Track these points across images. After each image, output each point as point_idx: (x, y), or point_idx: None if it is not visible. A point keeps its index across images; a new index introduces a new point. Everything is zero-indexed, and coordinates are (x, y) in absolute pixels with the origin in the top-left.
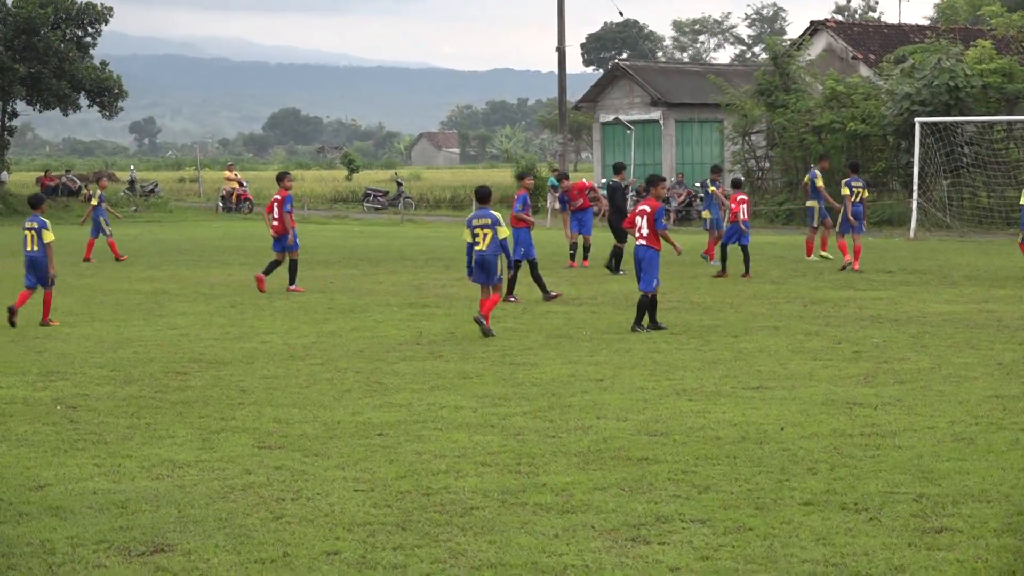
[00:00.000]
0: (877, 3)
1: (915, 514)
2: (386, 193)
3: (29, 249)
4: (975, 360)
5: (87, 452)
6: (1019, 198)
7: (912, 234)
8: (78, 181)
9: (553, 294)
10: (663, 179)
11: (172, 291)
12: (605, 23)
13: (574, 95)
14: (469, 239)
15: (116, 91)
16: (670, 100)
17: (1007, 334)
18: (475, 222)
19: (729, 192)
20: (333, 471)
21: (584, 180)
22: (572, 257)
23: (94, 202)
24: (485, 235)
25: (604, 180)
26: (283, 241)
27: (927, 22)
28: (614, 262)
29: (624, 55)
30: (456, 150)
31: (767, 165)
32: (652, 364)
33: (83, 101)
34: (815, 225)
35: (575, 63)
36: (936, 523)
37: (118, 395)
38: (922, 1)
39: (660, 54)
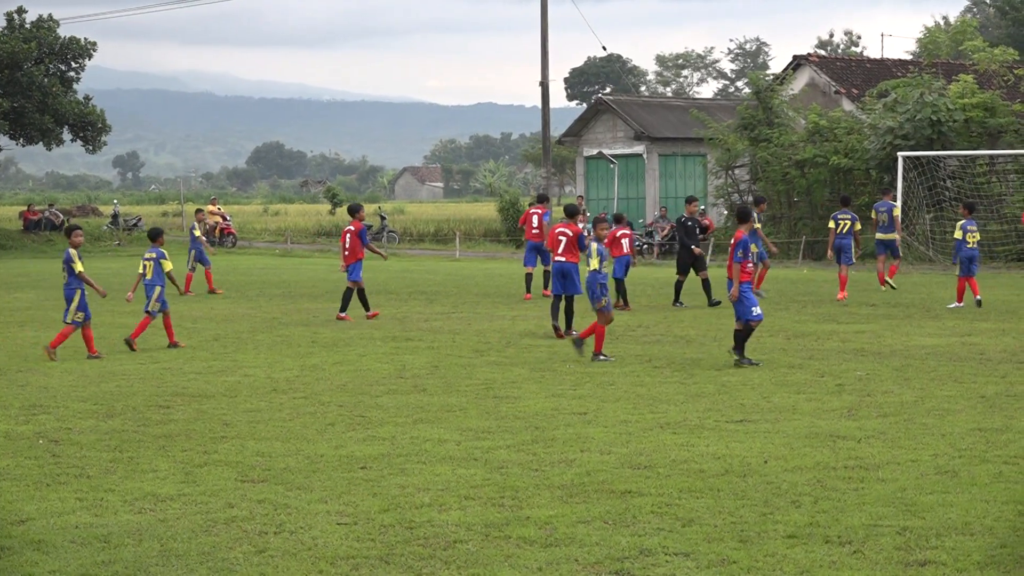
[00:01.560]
0: (860, 37)
1: (899, 547)
2: (370, 227)
3: (148, 278)
4: (958, 393)
5: (69, 486)
6: (999, 231)
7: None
8: (61, 215)
9: (570, 333)
10: (751, 214)
11: (155, 325)
12: (588, 58)
13: (558, 129)
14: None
15: (99, 125)
16: (653, 134)
17: (989, 367)
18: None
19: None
20: (316, 504)
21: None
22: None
23: (197, 232)
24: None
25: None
26: (351, 270)
27: (909, 56)
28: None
29: (607, 89)
30: (440, 184)
31: (750, 199)
32: (635, 397)
33: (66, 135)
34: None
35: (558, 97)
36: (920, 556)
37: (101, 429)
38: (904, 36)
39: (643, 88)
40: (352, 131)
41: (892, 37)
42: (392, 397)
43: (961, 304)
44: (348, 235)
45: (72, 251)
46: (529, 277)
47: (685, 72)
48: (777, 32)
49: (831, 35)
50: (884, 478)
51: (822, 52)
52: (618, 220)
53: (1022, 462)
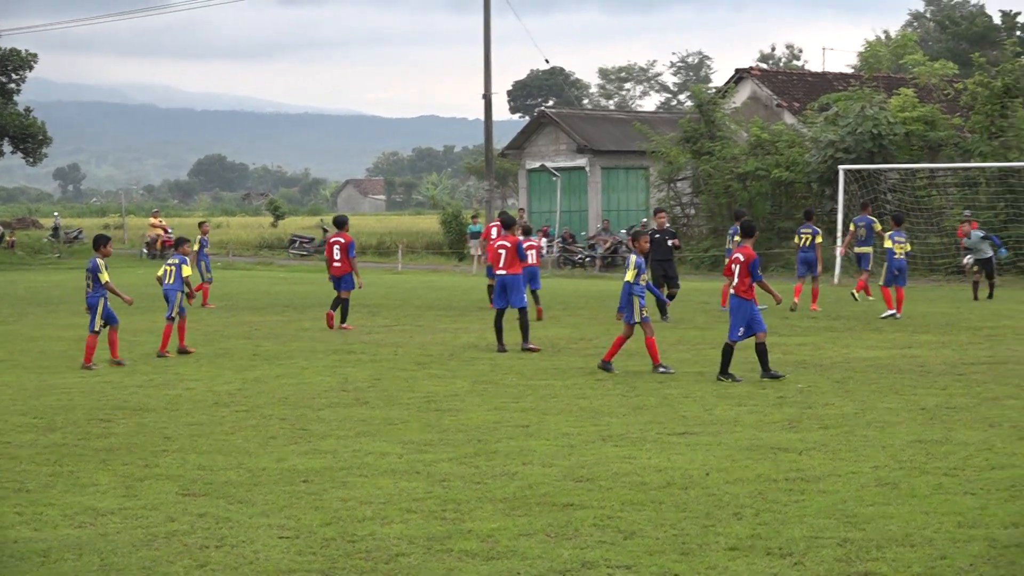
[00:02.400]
0: (801, 51)
1: (839, 559)
2: (312, 239)
3: (168, 283)
4: (898, 405)
5: (8, 500)
6: (939, 244)
7: (836, 280)
8: (1, 228)
9: (527, 347)
10: (755, 228)
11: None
12: (531, 70)
13: (500, 142)
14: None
15: (40, 137)
16: (596, 147)
17: (930, 379)
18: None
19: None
20: (257, 518)
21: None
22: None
23: (195, 247)
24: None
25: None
26: (342, 281)
27: (850, 70)
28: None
29: (550, 102)
30: (382, 197)
31: (692, 212)
32: (578, 410)
33: (6, 147)
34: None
35: (501, 110)
36: (860, 568)
37: (40, 443)
38: (845, 49)
39: (586, 101)
40: (294, 143)
41: (833, 51)
42: (334, 410)
43: (893, 311)
44: (337, 247)
45: (100, 261)
46: (491, 288)
47: (628, 85)
48: (719, 46)
49: (773, 49)
50: (825, 490)
51: (764, 66)
52: (526, 232)
53: (962, 474)
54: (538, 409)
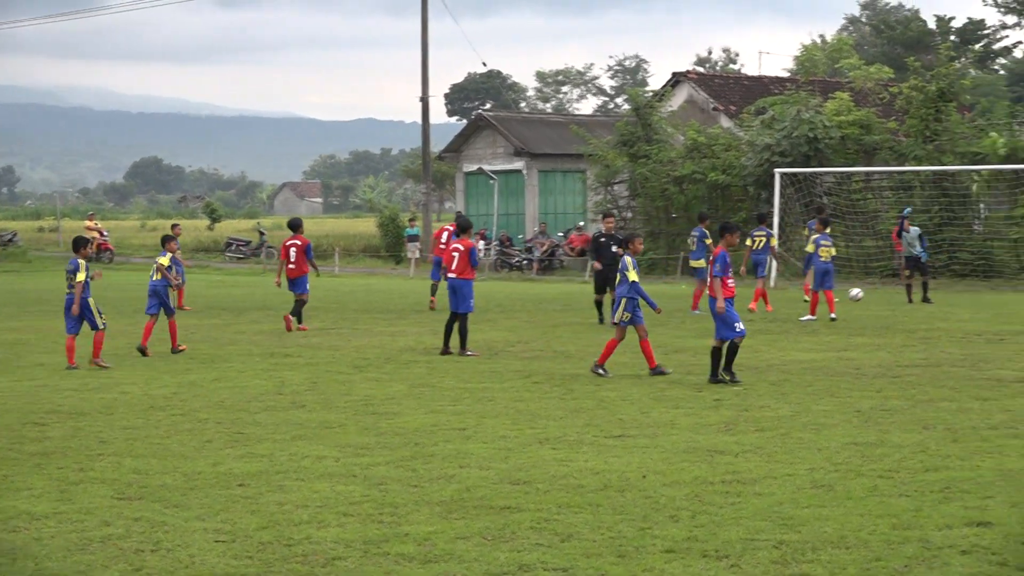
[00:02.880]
0: (738, 55)
1: (775, 560)
2: (248, 243)
3: (153, 279)
4: (834, 408)
5: None
6: (874, 247)
7: (772, 283)
8: None
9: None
10: (737, 228)
11: (31, 341)
12: (469, 74)
13: (438, 145)
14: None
15: None
16: (533, 150)
17: (865, 382)
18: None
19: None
20: (193, 522)
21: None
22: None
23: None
24: (617, 278)
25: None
26: (298, 283)
27: (787, 74)
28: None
29: (487, 105)
30: (319, 200)
31: (629, 215)
32: (515, 413)
33: None
34: None
35: (439, 113)
36: (796, 569)
37: None
38: (782, 53)
39: (523, 104)
40: (231, 146)
41: (770, 55)
42: (270, 414)
43: (814, 317)
44: (294, 249)
45: (81, 261)
46: (433, 288)
47: (565, 88)
48: (656, 49)
49: (709, 52)
50: (761, 492)
51: (700, 69)
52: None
53: (896, 476)
54: (475, 412)
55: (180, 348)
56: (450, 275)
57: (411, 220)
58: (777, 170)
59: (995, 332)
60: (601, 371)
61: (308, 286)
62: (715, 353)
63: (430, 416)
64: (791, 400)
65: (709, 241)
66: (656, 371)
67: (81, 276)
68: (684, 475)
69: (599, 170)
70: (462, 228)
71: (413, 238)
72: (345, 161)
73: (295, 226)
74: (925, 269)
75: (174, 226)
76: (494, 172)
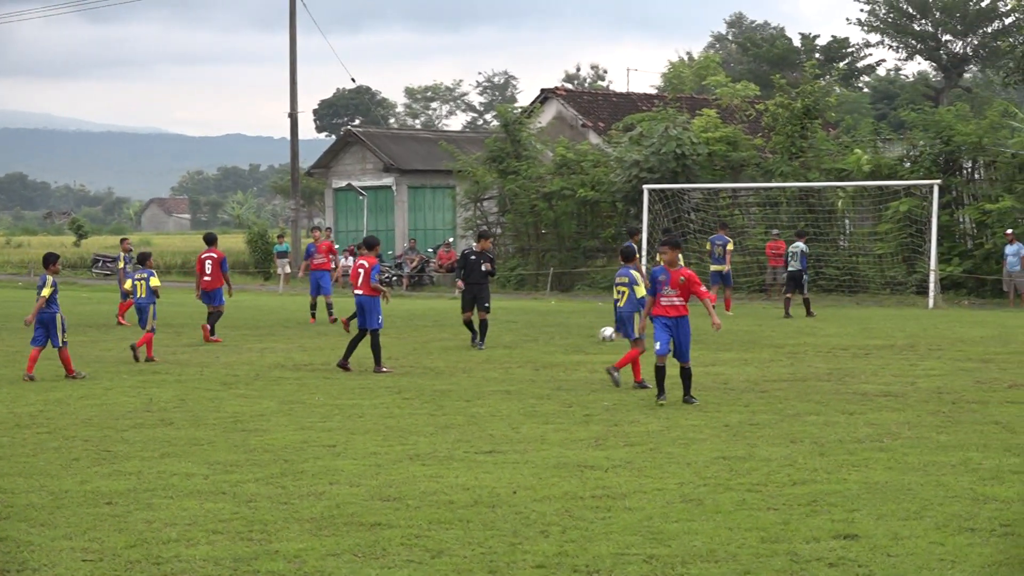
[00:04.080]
0: (606, 72)
1: (645, 575)
2: (115, 259)
3: (140, 296)
4: (702, 422)
5: None
6: (741, 263)
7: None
8: None
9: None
10: (675, 243)
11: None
12: (337, 89)
13: (307, 161)
14: (615, 296)
15: None
16: (402, 166)
17: (733, 396)
18: (617, 280)
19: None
20: (60, 541)
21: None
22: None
23: (121, 264)
24: (623, 293)
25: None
26: (214, 296)
27: (655, 91)
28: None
29: (356, 121)
30: (187, 216)
31: (499, 231)
32: (385, 429)
33: None
34: None
35: (307, 129)
36: None
37: None
38: (649, 70)
39: (392, 120)
40: (98, 162)
41: (638, 71)
42: (138, 431)
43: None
44: (209, 262)
45: (49, 277)
46: (313, 304)
47: (434, 105)
48: (525, 65)
49: (578, 68)
50: (631, 507)
51: (569, 86)
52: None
53: (765, 489)
54: (345, 429)
55: (152, 358)
56: (356, 292)
57: (280, 236)
58: (645, 186)
59: (860, 347)
60: (646, 384)
61: (224, 298)
62: (659, 373)
63: (300, 433)
64: (660, 415)
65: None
66: (640, 385)
67: (47, 291)
68: (554, 490)
69: (468, 186)
70: (368, 246)
71: (283, 254)
72: (213, 177)
73: (210, 240)
74: (802, 283)
75: (123, 240)
76: (363, 188)
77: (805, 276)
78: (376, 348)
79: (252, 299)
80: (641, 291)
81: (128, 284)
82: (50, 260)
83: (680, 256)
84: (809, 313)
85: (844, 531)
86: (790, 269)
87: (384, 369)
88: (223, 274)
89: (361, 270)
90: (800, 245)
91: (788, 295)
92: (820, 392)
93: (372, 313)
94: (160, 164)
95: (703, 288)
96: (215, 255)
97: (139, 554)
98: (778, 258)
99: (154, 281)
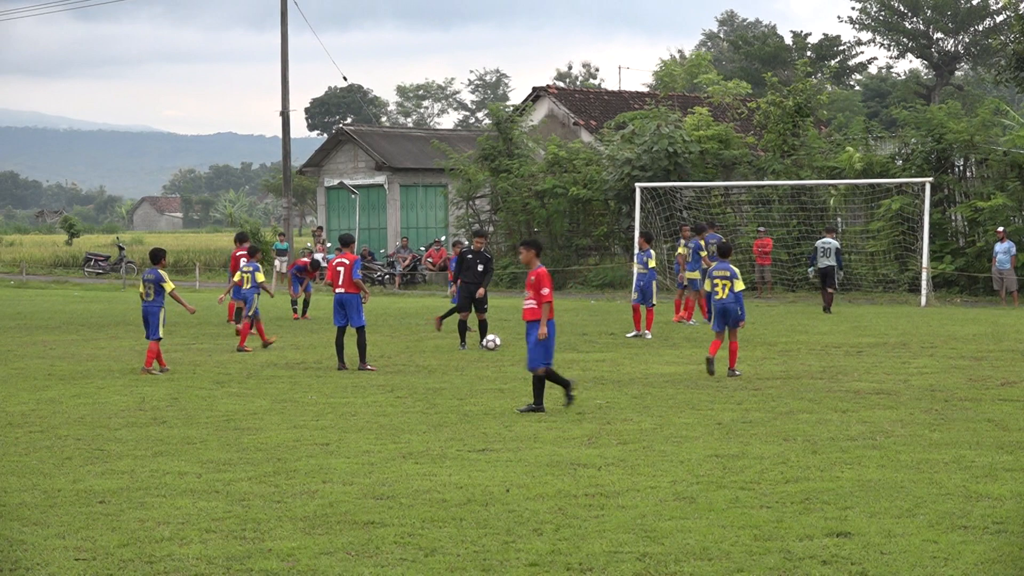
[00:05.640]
0: (597, 70)
1: (638, 573)
2: (107, 258)
3: (246, 287)
4: (695, 420)
5: None
6: (734, 262)
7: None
8: None
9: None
10: (534, 244)
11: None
12: (329, 88)
13: (299, 159)
14: (708, 289)
15: None
16: (394, 164)
17: (726, 394)
18: (715, 273)
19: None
20: (53, 540)
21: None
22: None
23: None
24: (724, 285)
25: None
26: (242, 292)
27: (646, 89)
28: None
29: (348, 120)
30: (179, 214)
31: (491, 229)
32: (378, 428)
33: None
34: None
35: (299, 128)
36: None
37: None
38: (641, 68)
39: (384, 119)
40: (89, 161)
41: (629, 70)
42: (131, 430)
43: (640, 332)
44: (243, 260)
45: (162, 272)
46: (294, 303)
47: (426, 103)
48: (517, 64)
49: (570, 67)
50: (624, 505)
51: (561, 84)
52: (314, 266)
53: (757, 487)
54: (338, 427)
55: (269, 341)
56: (337, 290)
57: (280, 235)
58: (638, 184)
59: (853, 345)
60: (737, 372)
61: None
62: (538, 381)
63: (293, 431)
64: (653, 413)
65: (704, 253)
66: (710, 367)
67: (169, 285)
68: (547, 489)
69: (461, 185)
70: (344, 243)
71: (282, 252)
72: (205, 175)
73: (242, 239)
74: (833, 280)
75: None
76: (355, 187)
77: (841, 272)
78: (363, 346)
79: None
80: (740, 284)
81: (237, 276)
82: (160, 255)
83: (536, 256)
84: (827, 308)
85: (837, 529)
86: (821, 265)
87: (369, 367)
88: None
89: (340, 268)
90: (832, 241)
91: (828, 290)
92: (813, 390)
93: (357, 310)
94: (152, 163)
95: (545, 291)
96: (242, 254)
97: (132, 553)
98: (765, 256)
99: (260, 276)
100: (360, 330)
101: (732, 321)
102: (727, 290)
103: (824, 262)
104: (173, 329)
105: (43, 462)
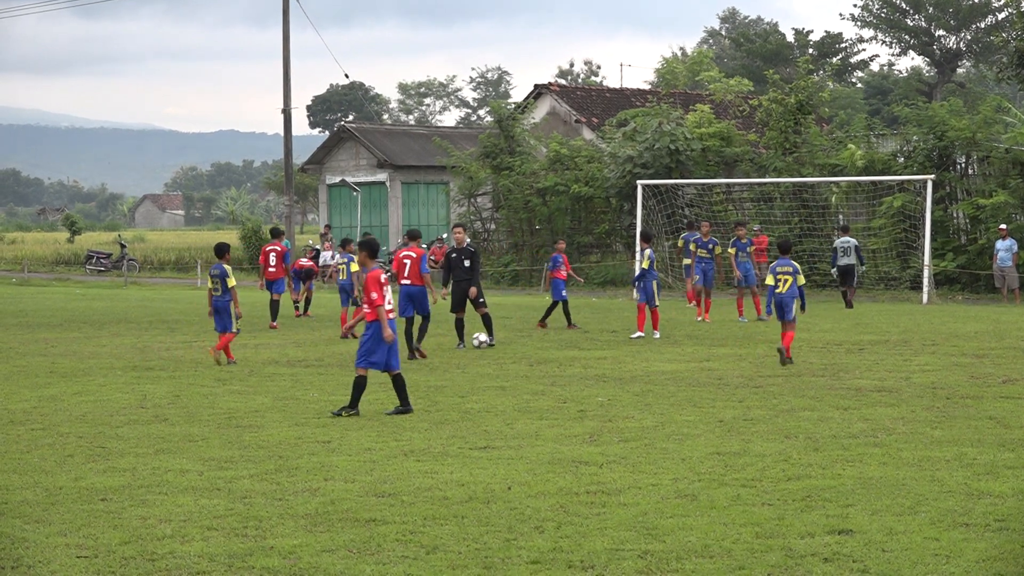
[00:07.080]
0: (599, 67)
1: (640, 570)
2: (109, 255)
3: (341, 278)
4: (697, 418)
5: None
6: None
7: (635, 294)
8: None
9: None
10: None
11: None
12: (331, 85)
13: (300, 157)
14: (771, 282)
15: None
16: (396, 162)
17: (727, 392)
18: (778, 269)
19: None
20: (55, 538)
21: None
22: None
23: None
24: (785, 280)
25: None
26: (277, 285)
27: (648, 87)
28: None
29: (350, 117)
30: (181, 212)
31: (493, 227)
32: (379, 425)
33: None
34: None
35: (301, 125)
36: None
37: None
38: (643, 66)
39: (386, 116)
40: (91, 158)
41: (631, 67)
42: (133, 428)
43: (643, 333)
44: (274, 255)
45: (227, 267)
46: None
47: (428, 100)
48: (518, 61)
49: (571, 64)
50: (626, 502)
51: (563, 81)
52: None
53: (759, 485)
54: (340, 425)
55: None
56: (403, 282)
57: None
58: (639, 182)
59: (854, 342)
60: (790, 360)
61: (284, 287)
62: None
63: (294, 429)
64: (655, 411)
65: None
66: (780, 350)
67: (232, 281)
68: (549, 486)
69: (462, 182)
70: (412, 237)
71: None
72: (207, 173)
73: (276, 234)
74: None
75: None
76: (357, 184)
77: (862, 268)
78: (424, 330)
79: (247, 295)
80: (802, 279)
81: (334, 266)
82: (224, 250)
83: (370, 258)
84: (848, 304)
85: (838, 526)
86: (840, 263)
87: (421, 353)
88: (284, 266)
89: (408, 260)
90: (851, 240)
91: (845, 288)
92: (814, 387)
93: (423, 301)
94: (153, 160)
95: (372, 295)
96: (279, 248)
97: (133, 550)
98: (761, 254)
99: (354, 266)
100: (426, 317)
101: (784, 313)
102: (787, 285)
103: (844, 260)
104: (176, 326)
105: (44, 460)
